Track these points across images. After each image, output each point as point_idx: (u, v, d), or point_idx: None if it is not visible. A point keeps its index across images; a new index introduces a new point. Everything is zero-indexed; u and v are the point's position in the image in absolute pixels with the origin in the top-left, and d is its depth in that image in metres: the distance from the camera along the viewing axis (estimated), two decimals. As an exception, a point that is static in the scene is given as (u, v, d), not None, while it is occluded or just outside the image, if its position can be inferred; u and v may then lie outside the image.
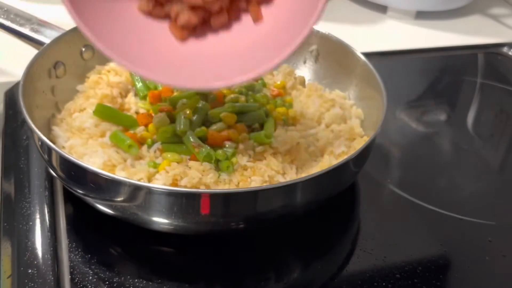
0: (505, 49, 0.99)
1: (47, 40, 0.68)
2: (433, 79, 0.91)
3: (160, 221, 0.52)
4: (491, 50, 0.99)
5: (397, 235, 0.61)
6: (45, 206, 0.60)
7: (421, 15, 1.05)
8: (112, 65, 0.70)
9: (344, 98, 0.71)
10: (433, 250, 0.60)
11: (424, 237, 0.62)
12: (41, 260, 0.54)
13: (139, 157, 0.59)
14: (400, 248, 0.59)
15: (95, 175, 0.50)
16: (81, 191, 0.54)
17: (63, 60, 0.67)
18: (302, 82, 0.75)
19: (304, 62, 0.77)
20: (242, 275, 0.56)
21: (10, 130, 0.70)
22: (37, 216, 0.59)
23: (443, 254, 0.60)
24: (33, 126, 0.53)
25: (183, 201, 0.50)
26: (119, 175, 0.55)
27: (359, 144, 0.62)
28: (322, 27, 0.74)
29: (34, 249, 0.55)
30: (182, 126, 0.59)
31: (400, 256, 0.58)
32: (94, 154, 0.57)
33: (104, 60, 0.72)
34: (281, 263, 0.57)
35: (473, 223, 0.63)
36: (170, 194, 0.50)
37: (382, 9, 1.06)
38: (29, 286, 0.52)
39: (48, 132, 0.63)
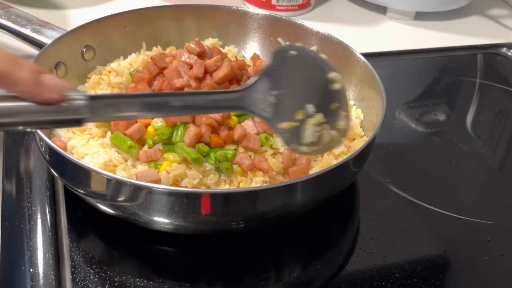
0: (504, 50, 0.99)
1: (48, 41, 0.68)
2: (433, 80, 0.91)
3: (161, 220, 0.52)
4: (490, 51, 0.99)
5: (396, 234, 0.61)
6: (47, 205, 0.60)
7: (421, 16, 1.05)
8: (113, 65, 0.71)
9: (344, 98, 0.71)
10: (432, 249, 0.60)
11: (424, 236, 0.62)
12: (42, 260, 0.54)
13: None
14: (400, 247, 0.60)
15: (97, 175, 0.50)
16: (82, 191, 0.54)
17: (64, 61, 0.67)
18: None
19: (304, 63, 0.77)
20: (242, 275, 0.56)
21: (11, 131, 0.70)
22: (39, 215, 0.59)
23: (442, 254, 0.60)
24: (34, 126, 0.53)
25: (184, 201, 0.50)
26: (120, 175, 0.55)
27: (358, 144, 0.63)
28: (322, 27, 0.74)
29: (35, 248, 0.55)
30: (178, 139, 0.59)
31: (400, 256, 0.59)
32: (95, 154, 0.57)
33: (105, 60, 0.72)
34: (281, 263, 0.57)
35: (472, 223, 0.63)
36: (171, 194, 0.50)
37: (382, 10, 1.06)
38: (30, 286, 0.52)
39: (50, 132, 0.63)
